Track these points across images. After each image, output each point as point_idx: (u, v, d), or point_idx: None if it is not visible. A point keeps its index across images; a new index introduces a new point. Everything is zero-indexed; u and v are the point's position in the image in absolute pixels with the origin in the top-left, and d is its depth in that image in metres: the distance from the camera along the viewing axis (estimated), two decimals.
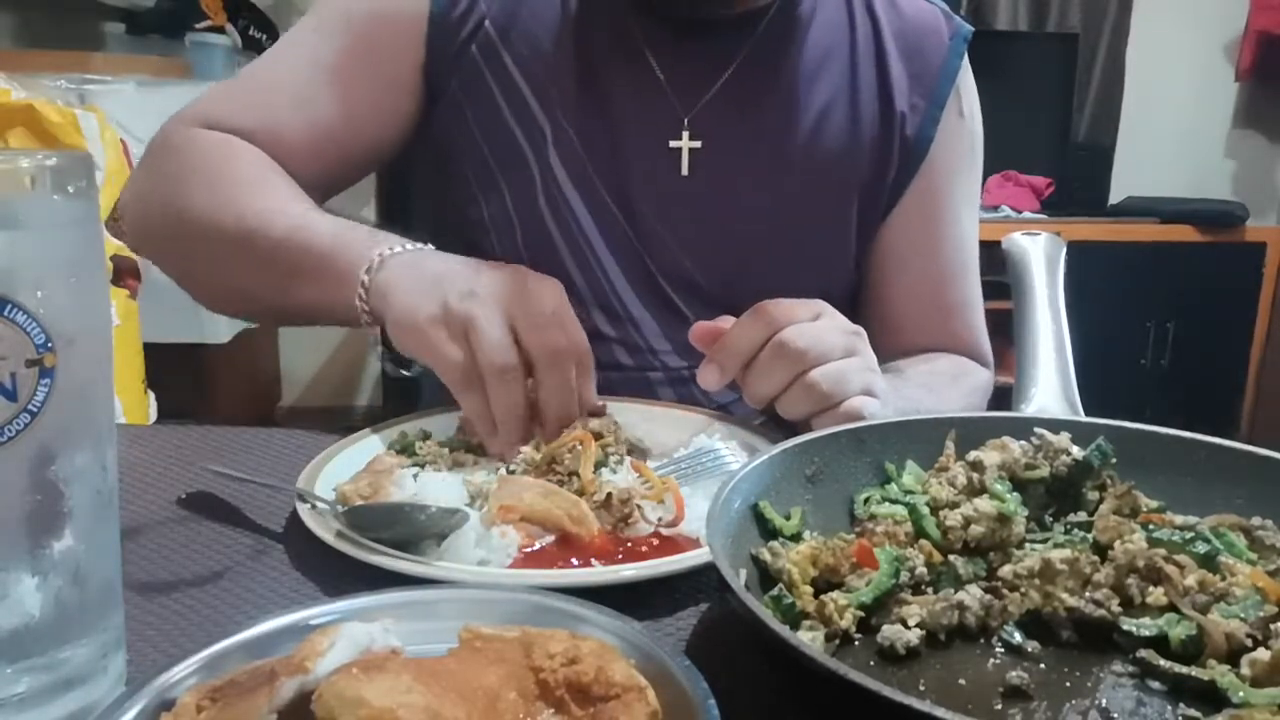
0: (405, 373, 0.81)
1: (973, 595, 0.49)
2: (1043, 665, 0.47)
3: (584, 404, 0.73)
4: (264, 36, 3.02)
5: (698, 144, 0.94)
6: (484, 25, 0.94)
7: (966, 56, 1.01)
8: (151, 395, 2.29)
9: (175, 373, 2.44)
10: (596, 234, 0.95)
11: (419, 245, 0.78)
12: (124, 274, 2.11)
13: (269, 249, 0.81)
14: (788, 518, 0.56)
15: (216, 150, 0.89)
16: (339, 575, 0.54)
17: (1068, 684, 0.45)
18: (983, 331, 1.05)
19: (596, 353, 0.96)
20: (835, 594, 0.49)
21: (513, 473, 0.66)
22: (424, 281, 0.73)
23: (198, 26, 2.88)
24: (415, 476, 0.65)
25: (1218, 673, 0.44)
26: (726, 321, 0.73)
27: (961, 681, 0.46)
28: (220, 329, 2.82)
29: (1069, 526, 0.57)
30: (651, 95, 0.94)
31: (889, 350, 0.99)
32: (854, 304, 1.04)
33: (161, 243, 0.93)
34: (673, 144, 0.94)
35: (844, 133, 0.96)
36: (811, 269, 0.98)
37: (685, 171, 0.94)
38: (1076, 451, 0.58)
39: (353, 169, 0.98)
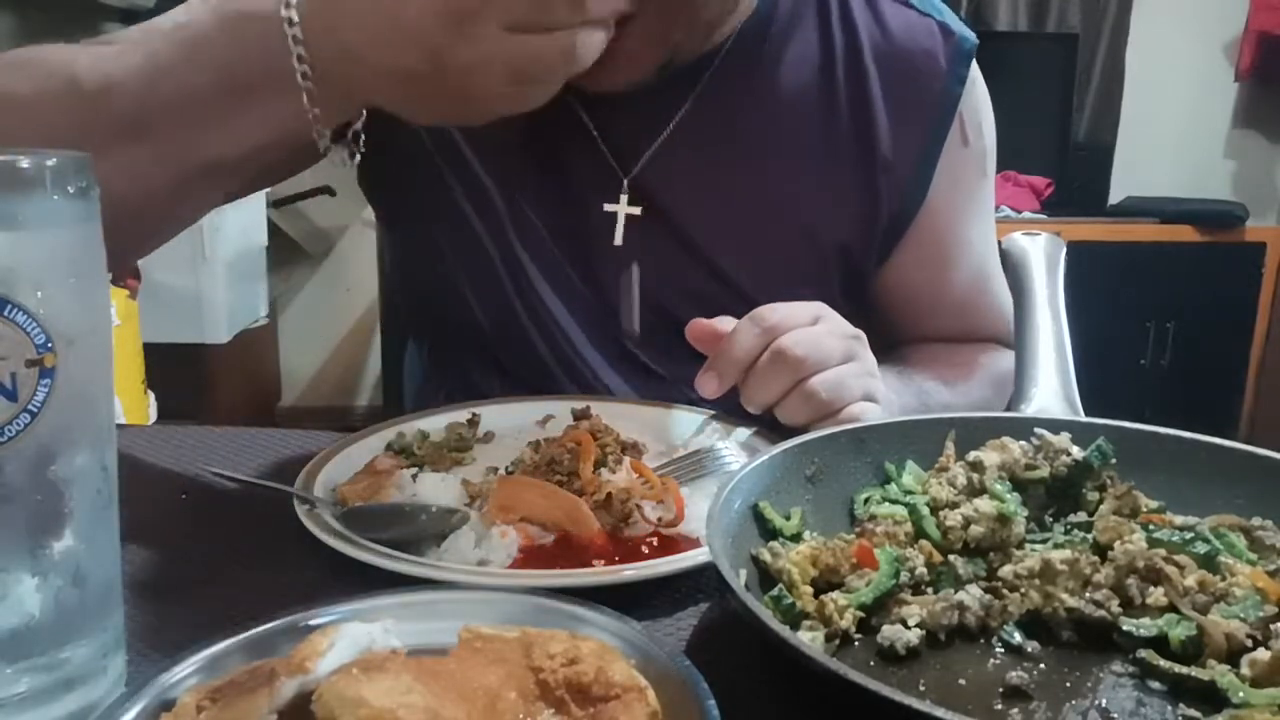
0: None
1: (973, 595, 0.49)
2: (1043, 665, 0.47)
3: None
4: None
5: (636, 210, 0.86)
6: None
7: (976, 68, 0.91)
8: (151, 395, 2.29)
9: (175, 373, 2.45)
10: (560, 307, 0.90)
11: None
12: (124, 274, 2.11)
13: (132, 107, 0.62)
14: (788, 518, 0.56)
15: (25, 54, 0.69)
16: (339, 575, 0.54)
17: (1068, 684, 0.45)
18: (1008, 318, 1.00)
19: None
20: (835, 594, 0.49)
21: (512, 473, 0.66)
22: (380, 42, 0.59)
23: None
24: (414, 477, 0.65)
25: (1218, 673, 0.44)
26: (725, 323, 0.73)
27: (961, 681, 0.46)
28: (220, 329, 2.83)
29: (1069, 527, 0.57)
30: (589, 155, 0.87)
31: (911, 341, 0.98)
32: (860, 307, 1.00)
33: None
34: (608, 208, 0.87)
35: (819, 186, 0.89)
36: None
37: (618, 240, 0.87)
38: (1076, 451, 0.58)
39: None
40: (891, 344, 0.99)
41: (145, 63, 0.63)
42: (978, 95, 0.94)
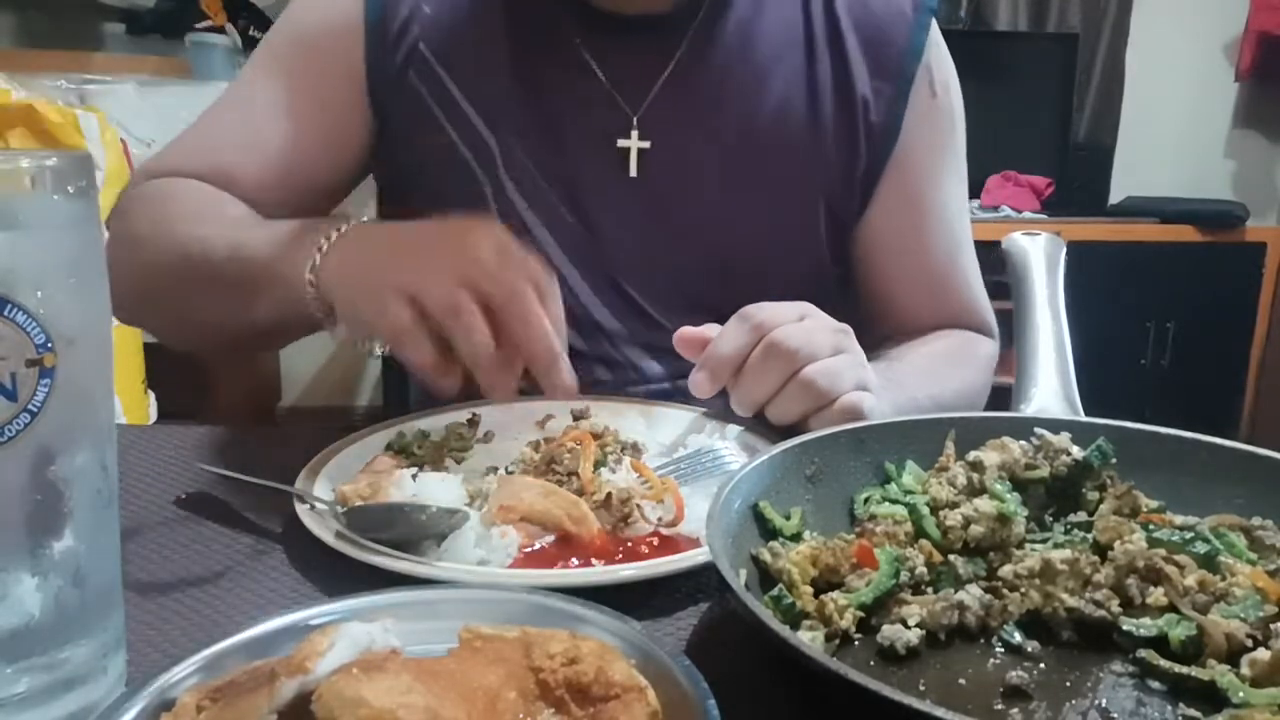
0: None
1: (973, 595, 0.49)
2: (1043, 665, 0.47)
3: (553, 325, 0.68)
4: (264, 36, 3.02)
5: (646, 144, 0.93)
6: (419, 48, 0.93)
7: (936, 29, 0.98)
8: (151, 395, 2.29)
9: (175, 373, 2.44)
10: (555, 247, 0.94)
11: (358, 221, 0.76)
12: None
13: (214, 274, 0.80)
14: (788, 518, 0.56)
15: (157, 193, 0.89)
16: (339, 575, 0.54)
17: (1068, 684, 0.45)
18: (983, 304, 1.04)
19: (575, 371, 0.95)
20: (835, 594, 0.49)
21: (512, 473, 0.66)
22: (366, 259, 0.72)
23: (198, 26, 2.88)
24: (415, 476, 0.65)
25: (1218, 673, 0.44)
26: (711, 329, 0.73)
27: (961, 681, 0.46)
28: None
29: (1069, 526, 0.57)
30: (595, 97, 0.93)
31: (891, 333, 1.00)
32: (844, 293, 1.04)
33: (130, 304, 0.90)
34: (621, 143, 0.93)
35: (803, 126, 0.95)
36: (780, 267, 0.97)
37: (634, 173, 0.93)
38: (1076, 451, 0.58)
39: (323, 196, 0.97)
40: (872, 343, 1.00)
41: (219, 259, 0.80)
42: (943, 55, 1.00)
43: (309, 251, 0.73)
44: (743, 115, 0.94)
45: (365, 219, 0.77)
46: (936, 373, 0.91)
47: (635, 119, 0.93)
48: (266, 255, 0.77)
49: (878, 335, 1.02)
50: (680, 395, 0.92)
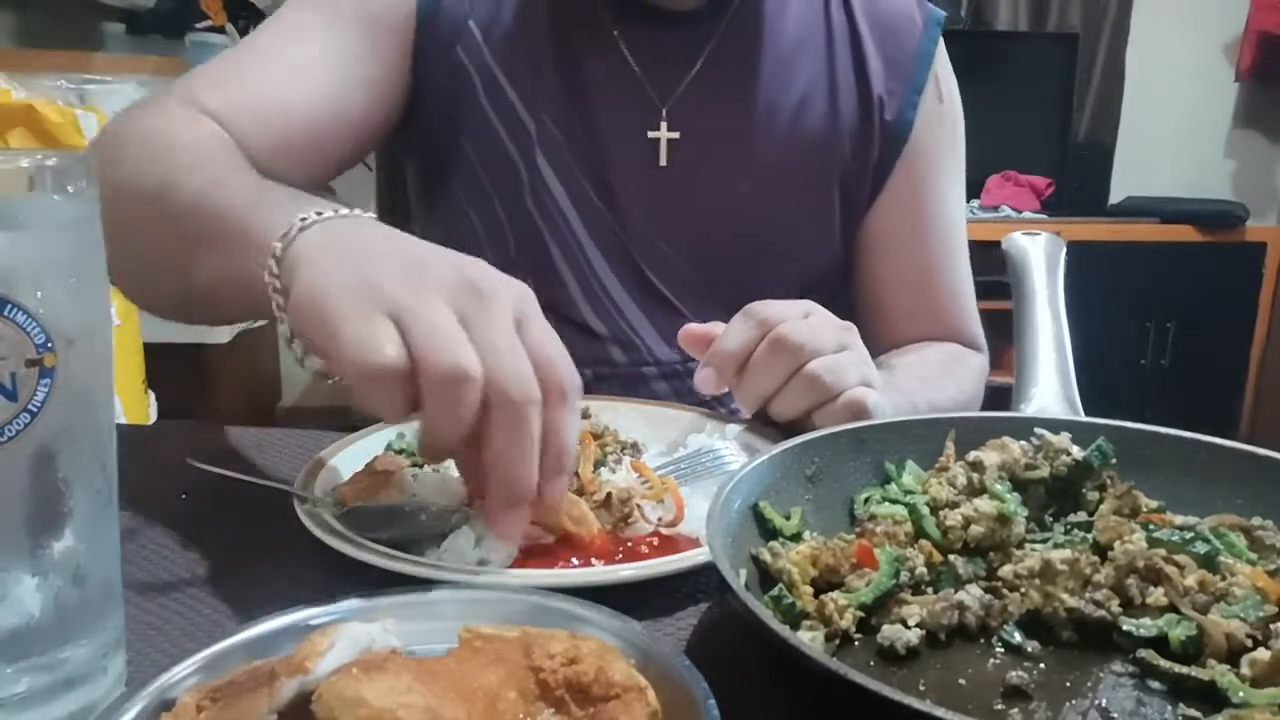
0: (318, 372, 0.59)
1: (973, 595, 0.49)
2: (1043, 665, 0.47)
3: (556, 453, 0.51)
4: None
5: (676, 134, 0.96)
6: (468, 25, 0.96)
7: (942, 42, 1.03)
8: (151, 395, 2.29)
9: (175, 373, 2.44)
10: (583, 229, 0.96)
11: (355, 211, 0.60)
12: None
13: (177, 210, 0.68)
14: (788, 518, 0.56)
15: (154, 134, 0.78)
16: (339, 575, 0.54)
17: (1068, 684, 0.45)
18: (974, 316, 1.06)
19: (591, 351, 0.98)
20: (835, 594, 0.49)
21: None
22: (349, 250, 0.54)
23: (198, 26, 2.89)
24: (414, 476, 0.65)
25: (1218, 673, 0.44)
26: (716, 327, 0.74)
27: (961, 681, 0.46)
28: (220, 329, 2.82)
29: (1069, 526, 0.57)
30: (627, 86, 0.96)
31: (881, 340, 1.02)
32: (845, 294, 1.05)
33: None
34: (651, 134, 0.96)
35: (823, 119, 0.98)
36: (796, 256, 1.00)
37: (664, 162, 0.96)
38: (1076, 451, 0.58)
39: (340, 158, 0.94)
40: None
41: (187, 195, 0.68)
42: (948, 68, 1.04)
43: (287, 217, 0.58)
44: (767, 108, 0.97)
45: (361, 212, 0.61)
46: (933, 380, 0.92)
47: (664, 110, 0.96)
48: (239, 207, 0.64)
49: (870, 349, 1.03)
50: (692, 376, 0.93)
